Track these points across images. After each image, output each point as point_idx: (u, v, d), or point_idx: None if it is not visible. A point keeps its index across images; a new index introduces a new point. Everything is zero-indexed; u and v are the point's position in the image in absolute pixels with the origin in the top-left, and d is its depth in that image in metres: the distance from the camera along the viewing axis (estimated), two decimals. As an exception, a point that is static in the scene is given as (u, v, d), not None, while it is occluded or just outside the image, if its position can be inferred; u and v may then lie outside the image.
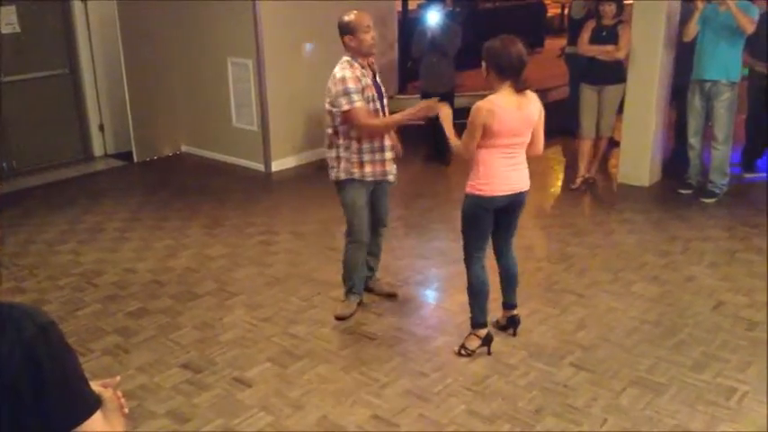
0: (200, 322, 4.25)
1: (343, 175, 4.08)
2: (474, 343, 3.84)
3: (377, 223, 4.34)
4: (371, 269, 4.51)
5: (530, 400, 3.45)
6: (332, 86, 3.93)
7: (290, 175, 7.07)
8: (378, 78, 4.12)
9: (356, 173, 4.03)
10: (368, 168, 4.04)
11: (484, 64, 3.59)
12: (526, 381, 3.61)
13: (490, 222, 3.75)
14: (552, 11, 13.86)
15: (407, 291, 4.61)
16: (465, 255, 3.83)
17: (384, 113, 4.08)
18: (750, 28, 5.63)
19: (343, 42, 3.98)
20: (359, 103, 3.86)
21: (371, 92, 3.97)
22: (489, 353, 3.86)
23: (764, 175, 6.54)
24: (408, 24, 8.47)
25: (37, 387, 1.31)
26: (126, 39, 7.09)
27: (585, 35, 6.18)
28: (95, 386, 1.51)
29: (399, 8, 8.73)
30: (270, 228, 5.68)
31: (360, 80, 3.90)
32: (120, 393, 1.56)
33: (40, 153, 7.14)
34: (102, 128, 7.61)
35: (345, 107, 3.88)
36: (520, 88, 3.52)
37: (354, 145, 4.00)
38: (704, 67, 5.82)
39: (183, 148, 7.84)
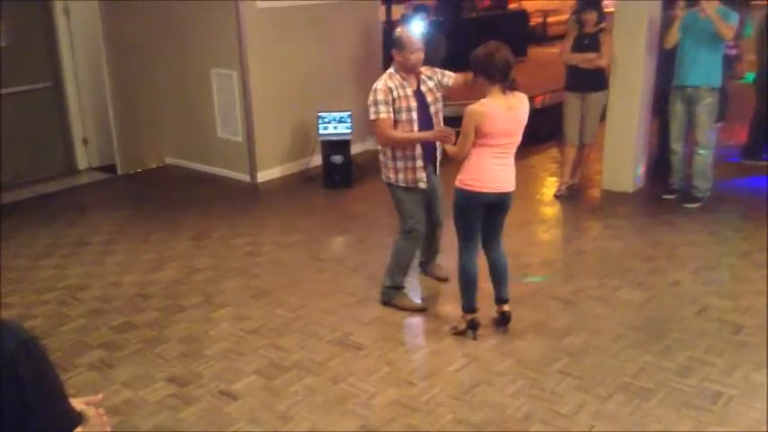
0: (186, 335, 4.23)
1: (384, 178, 4.38)
2: (462, 325, 4.08)
3: (432, 224, 4.55)
4: (426, 255, 4.78)
5: (518, 408, 3.45)
6: (369, 95, 4.20)
7: (276, 185, 7.06)
8: (425, 87, 4.25)
9: (392, 177, 4.31)
10: (401, 174, 4.27)
11: (472, 71, 3.79)
12: (514, 388, 3.61)
13: (479, 216, 3.94)
14: (535, 20, 13.97)
15: (394, 300, 4.61)
16: (458, 245, 4.03)
17: (430, 124, 4.23)
18: (729, 34, 5.71)
19: (392, 53, 4.23)
20: (383, 114, 4.11)
21: (406, 103, 4.15)
22: (474, 338, 4.04)
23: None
24: (393, 34, 8.49)
25: (17, 403, 1.30)
26: (109, 52, 7.08)
27: (567, 44, 6.24)
28: (78, 404, 1.50)
29: (383, 18, 8.75)
30: (256, 239, 5.66)
31: (391, 92, 4.12)
32: (102, 411, 1.55)
33: (24, 167, 7.08)
34: (85, 141, 7.57)
35: (372, 116, 4.18)
36: (508, 89, 3.71)
37: (389, 151, 4.26)
38: (685, 74, 5.88)
39: (168, 161, 7.81)
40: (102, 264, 5.28)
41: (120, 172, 7.41)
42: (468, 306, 4.05)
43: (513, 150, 3.86)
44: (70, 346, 4.14)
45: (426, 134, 4.15)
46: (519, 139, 3.83)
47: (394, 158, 4.24)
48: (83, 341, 4.20)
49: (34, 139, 7.14)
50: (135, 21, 7.16)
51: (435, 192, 4.47)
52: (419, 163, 4.23)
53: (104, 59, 7.08)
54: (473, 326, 4.05)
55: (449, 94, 4.50)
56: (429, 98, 4.26)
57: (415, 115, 4.17)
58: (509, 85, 3.71)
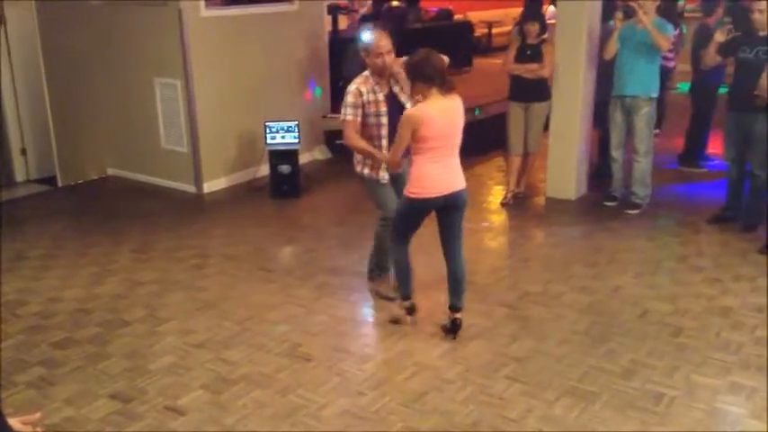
0: (130, 350, 4.13)
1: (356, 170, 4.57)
2: (400, 311, 4.33)
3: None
4: (380, 262, 4.79)
5: (467, 415, 3.48)
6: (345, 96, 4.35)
7: (223, 196, 6.97)
8: (397, 87, 4.33)
9: (358, 169, 4.50)
10: (366, 169, 4.47)
11: (410, 79, 3.92)
12: (463, 395, 3.64)
13: (419, 222, 4.12)
14: (479, 31, 14.17)
15: (344, 309, 4.60)
16: (392, 241, 4.25)
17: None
18: (666, 45, 5.90)
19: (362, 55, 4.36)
20: (350, 117, 4.30)
21: (376, 108, 4.29)
22: (414, 322, 4.29)
23: (708, 166, 7.33)
24: (339, 44, 8.52)
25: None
26: (48, 60, 6.90)
27: (511, 54, 6.35)
28: (16, 423, 1.45)
29: (330, 27, 8.77)
30: (202, 251, 5.57)
31: (361, 95, 4.26)
32: (41, 430, 1.50)
33: (-43, 179, 6.84)
34: (24, 152, 7.35)
35: (341, 117, 4.35)
36: (447, 89, 3.85)
37: None
38: (624, 84, 6.05)
39: (110, 171, 7.63)
40: (41, 279, 5.12)
41: (60, 184, 7.22)
42: (405, 293, 4.30)
43: (455, 151, 3.97)
44: (8, 363, 4.00)
45: (380, 156, 4.30)
46: (459, 139, 3.96)
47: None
48: (21, 358, 4.06)
49: (-32, 150, 6.91)
50: (74, 28, 7.00)
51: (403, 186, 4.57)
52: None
53: (43, 68, 6.89)
54: (410, 311, 4.30)
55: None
56: (402, 98, 4.35)
57: (384, 120, 4.31)
58: (447, 87, 3.86)
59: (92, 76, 7.22)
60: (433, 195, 3.93)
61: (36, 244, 5.77)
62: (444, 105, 3.84)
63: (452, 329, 4.18)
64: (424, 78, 3.81)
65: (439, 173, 3.91)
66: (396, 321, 4.32)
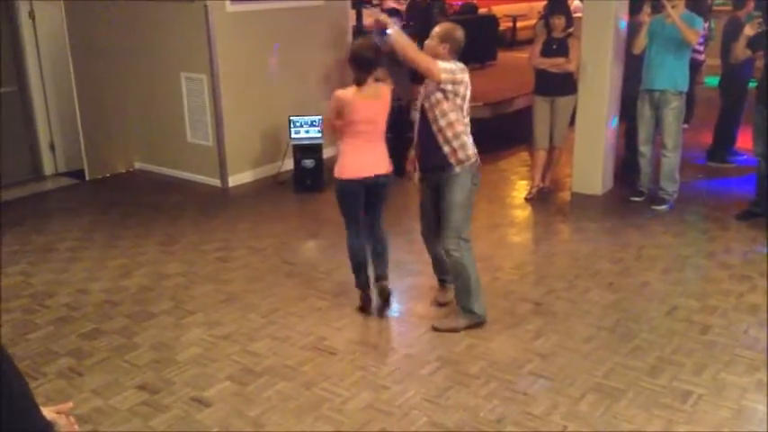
0: (157, 342, 4.18)
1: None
2: (360, 301, 4.45)
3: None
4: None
5: (491, 410, 3.47)
6: None
7: (248, 189, 7.01)
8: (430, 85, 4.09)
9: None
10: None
11: (344, 66, 4.27)
12: (487, 390, 3.63)
13: (357, 204, 4.34)
14: (504, 24, 14.07)
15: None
16: (346, 229, 4.41)
17: (424, 120, 4.16)
18: (695, 39, 5.83)
19: None
20: None
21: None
22: (368, 313, 4.41)
23: (736, 162, 7.26)
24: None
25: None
26: (76, 55, 6.98)
27: (536, 48, 6.30)
28: (48, 412, 1.47)
29: (354, 22, 8.76)
30: (227, 244, 5.61)
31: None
32: (73, 420, 1.52)
33: (-12, 173, 6.94)
34: (52, 146, 7.45)
35: None
36: (380, 78, 4.14)
37: None
38: (653, 78, 5.98)
39: (137, 165, 7.72)
40: (69, 270, 5.20)
41: (88, 177, 7.31)
42: (360, 283, 4.45)
43: (382, 137, 4.24)
44: (37, 354, 4.07)
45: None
46: (384, 126, 4.22)
47: None
48: (50, 349, 4.12)
49: (-1, 144, 7.01)
50: (102, 24, 7.07)
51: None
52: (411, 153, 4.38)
53: (71, 63, 6.98)
54: (366, 300, 4.44)
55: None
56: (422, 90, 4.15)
57: (415, 115, 4.31)
58: (383, 77, 4.22)
59: (119, 72, 7.30)
60: (360, 176, 4.15)
61: (64, 236, 5.85)
62: (376, 91, 4.06)
63: (384, 296, 4.40)
64: (358, 66, 4.03)
65: (365, 156, 4.15)
66: (363, 311, 4.41)
